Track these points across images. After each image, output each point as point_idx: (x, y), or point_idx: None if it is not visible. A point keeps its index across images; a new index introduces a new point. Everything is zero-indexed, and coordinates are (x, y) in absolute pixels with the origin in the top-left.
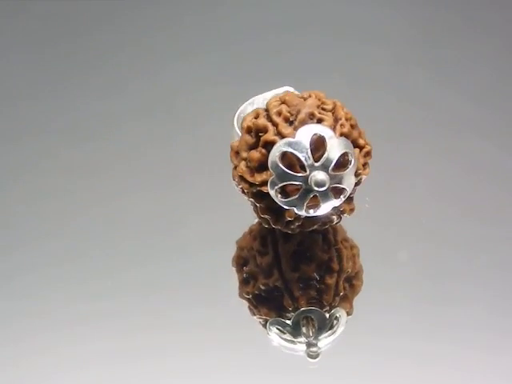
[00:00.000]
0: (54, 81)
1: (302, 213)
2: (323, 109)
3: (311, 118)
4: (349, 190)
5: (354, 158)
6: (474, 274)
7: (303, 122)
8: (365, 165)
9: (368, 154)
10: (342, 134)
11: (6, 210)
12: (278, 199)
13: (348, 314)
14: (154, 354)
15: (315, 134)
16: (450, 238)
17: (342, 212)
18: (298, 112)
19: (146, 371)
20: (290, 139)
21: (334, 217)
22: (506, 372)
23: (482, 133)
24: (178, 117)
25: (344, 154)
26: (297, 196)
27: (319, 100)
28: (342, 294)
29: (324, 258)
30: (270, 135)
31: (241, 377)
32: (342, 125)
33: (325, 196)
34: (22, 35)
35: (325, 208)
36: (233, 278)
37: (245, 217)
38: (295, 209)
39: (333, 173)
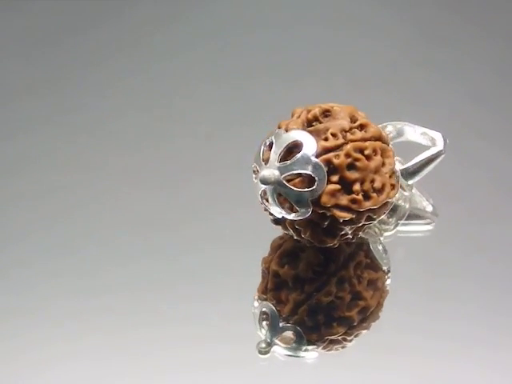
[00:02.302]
0: (52, 77)
1: (277, 214)
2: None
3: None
4: (312, 175)
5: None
6: (474, 273)
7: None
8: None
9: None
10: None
11: (3, 206)
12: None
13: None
14: (153, 351)
15: (296, 141)
16: (451, 236)
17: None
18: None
19: (144, 367)
20: (276, 133)
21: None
22: None
23: (482, 132)
24: (179, 114)
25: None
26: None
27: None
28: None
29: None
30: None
31: (241, 374)
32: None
33: (273, 191)
34: (21, 32)
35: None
36: (232, 276)
37: (245, 215)
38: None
39: (279, 164)
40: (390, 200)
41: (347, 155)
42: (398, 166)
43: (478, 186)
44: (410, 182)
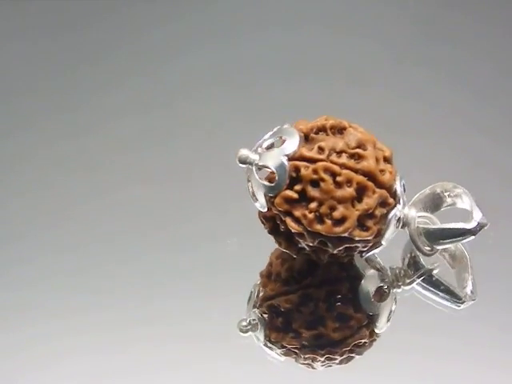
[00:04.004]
0: (53, 75)
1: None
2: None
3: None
4: (273, 169)
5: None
6: (474, 271)
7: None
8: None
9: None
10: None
11: (3, 203)
12: None
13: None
14: (153, 346)
15: (283, 137)
16: None
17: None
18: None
19: (145, 363)
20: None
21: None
22: None
23: (483, 130)
24: (179, 112)
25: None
26: None
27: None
28: None
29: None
30: None
31: (240, 370)
32: None
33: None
34: (21, 29)
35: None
36: (231, 273)
37: (246, 212)
38: None
39: (261, 150)
40: (354, 238)
41: (315, 171)
42: (423, 224)
43: (479, 182)
44: (437, 246)
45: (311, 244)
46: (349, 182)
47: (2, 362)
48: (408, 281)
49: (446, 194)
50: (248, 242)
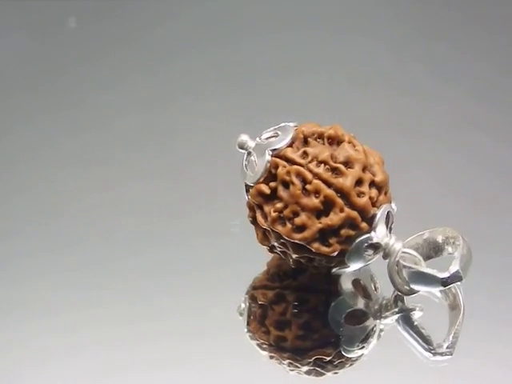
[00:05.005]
0: (54, 72)
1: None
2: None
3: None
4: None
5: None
6: (474, 269)
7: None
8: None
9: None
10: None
11: (3, 199)
12: None
13: None
14: (152, 343)
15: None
16: None
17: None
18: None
19: (143, 359)
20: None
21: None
22: None
23: (482, 127)
24: (180, 108)
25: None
26: None
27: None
28: None
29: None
30: None
31: (239, 366)
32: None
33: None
34: (22, 27)
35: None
36: (230, 270)
37: (245, 208)
38: None
39: (260, 140)
40: (313, 250)
41: (288, 173)
42: (407, 261)
43: (479, 179)
44: (413, 287)
45: (275, 244)
46: (317, 192)
47: (1, 358)
48: (387, 314)
49: (447, 244)
50: (249, 240)
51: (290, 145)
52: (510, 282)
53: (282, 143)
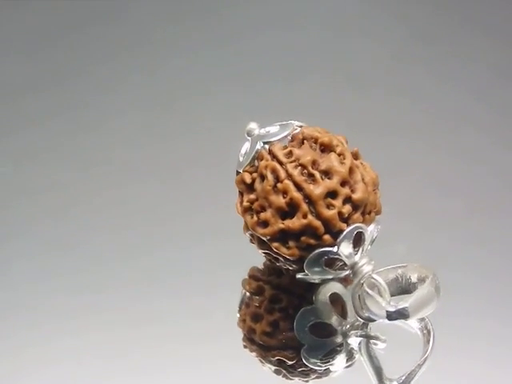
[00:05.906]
0: (55, 74)
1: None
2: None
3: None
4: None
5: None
6: (474, 267)
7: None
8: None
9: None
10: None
11: (5, 201)
12: None
13: None
14: (153, 345)
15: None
16: (451, 232)
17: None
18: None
19: (144, 362)
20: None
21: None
22: None
23: (481, 128)
24: (180, 109)
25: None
26: None
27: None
28: None
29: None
30: None
31: (240, 368)
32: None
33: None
34: (23, 28)
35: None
36: (232, 272)
37: None
38: None
39: (264, 131)
40: (273, 248)
41: (265, 167)
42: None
43: (478, 180)
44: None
45: (247, 234)
46: (285, 192)
47: (2, 362)
48: (352, 334)
49: (420, 283)
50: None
51: (288, 142)
52: (510, 282)
53: (275, 137)
